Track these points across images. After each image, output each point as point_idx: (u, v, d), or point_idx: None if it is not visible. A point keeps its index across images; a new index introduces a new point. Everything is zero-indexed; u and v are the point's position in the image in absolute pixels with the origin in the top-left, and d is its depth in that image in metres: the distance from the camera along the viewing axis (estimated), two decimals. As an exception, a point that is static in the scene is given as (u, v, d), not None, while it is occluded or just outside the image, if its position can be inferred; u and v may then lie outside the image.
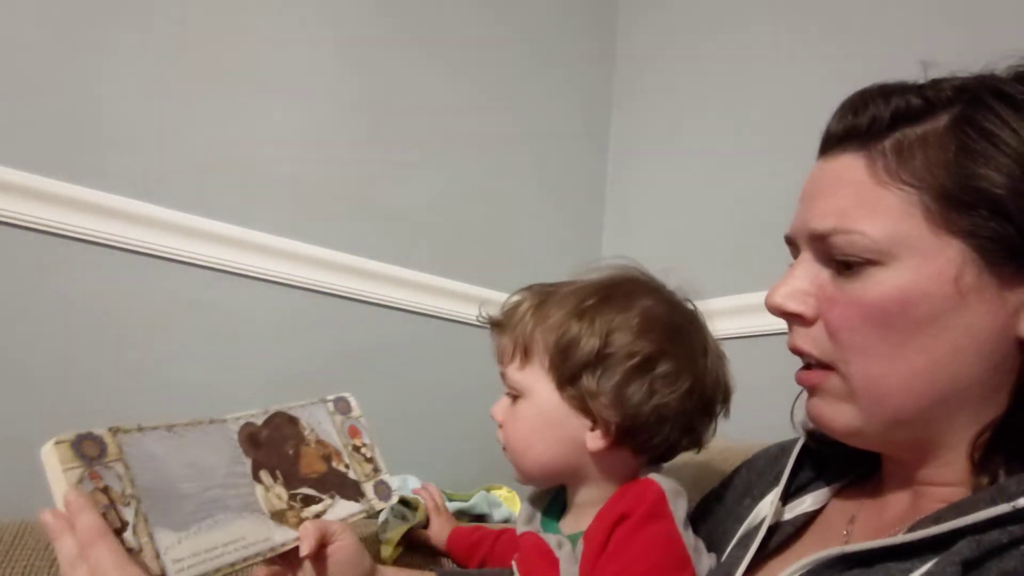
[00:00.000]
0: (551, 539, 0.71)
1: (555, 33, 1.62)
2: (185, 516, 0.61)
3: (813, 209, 0.53)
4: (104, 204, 0.98)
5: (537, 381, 0.71)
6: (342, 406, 0.85)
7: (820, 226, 0.52)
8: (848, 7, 1.21)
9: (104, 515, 0.55)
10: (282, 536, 0.68)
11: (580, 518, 0.72)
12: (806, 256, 0.55)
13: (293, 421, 0.78)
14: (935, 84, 0.52)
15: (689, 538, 0.65)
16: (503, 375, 0.76)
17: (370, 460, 0.83)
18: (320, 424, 0.81)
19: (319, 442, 0.79)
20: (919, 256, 0.48)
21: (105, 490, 0.56)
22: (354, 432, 0.84)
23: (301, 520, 0.71)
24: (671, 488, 0.66)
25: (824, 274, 0.53)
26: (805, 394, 0.57)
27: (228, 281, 1.09)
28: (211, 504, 0.64)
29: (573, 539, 0.70)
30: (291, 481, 0.73)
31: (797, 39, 1.30)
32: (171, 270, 1.03)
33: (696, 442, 0.73)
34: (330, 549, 0.70)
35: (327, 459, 0.79)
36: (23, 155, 0.92)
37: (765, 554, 0.59)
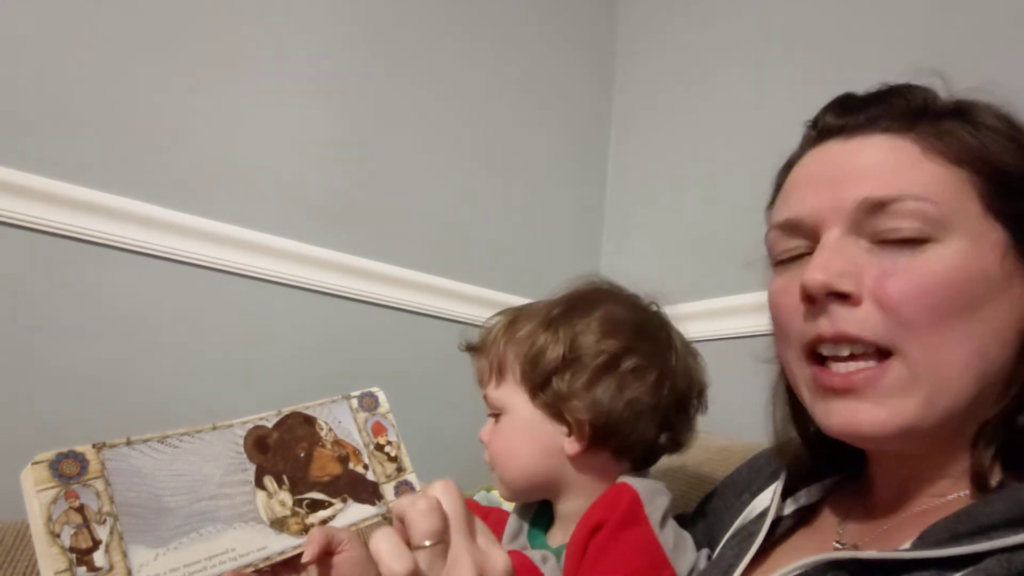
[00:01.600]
0: (535, 555, 0.71)
1: (556, 34, 1.62)
2: (167, 532, 0.61)
3: (855, 183, 0.51)
4: (104, 204, 1.00)
5: (512, 395, 0.75)
6: (367, 402, 0.83)
7: (876, 192, 0.50)
8: (843, 30, 1.26)
9: (76, 534, 0.57)
10: (281, 544, 0.68)
11: (566, 529, 0.71)
12: (835, 234, 0.52)
13: (309, 421, 0.77)
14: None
15: (668, 537, 0.65)
16: (485, 398, 0.80)
17: (394, 459, 0.81)
18: (340, 423, 0.79)
19: (336, 442, 0.78)
20: (973, 235, 0.48)
21: (80, 509, 0.58)
22: (378, 429, 0.82)
23: (305, 527, 0.70)
24: (646, 488, 0.67)
25: (861, 250, 0.51)
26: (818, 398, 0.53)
27: (228, 281, 1.10)
28: (198, 517, 0.64)
29: (559, 552, 0.70)
30: (299, 486, 0.72)
31: (792, 61, 1.35)
32: (171, 270, 1.05)
33: (675, 441, 0.74)
34: (336, 559, 0.69)
35: (343, 460, 0.77)
36: (23, 155, 0.95)
37: (765, 547, 0.60)
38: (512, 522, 0.79)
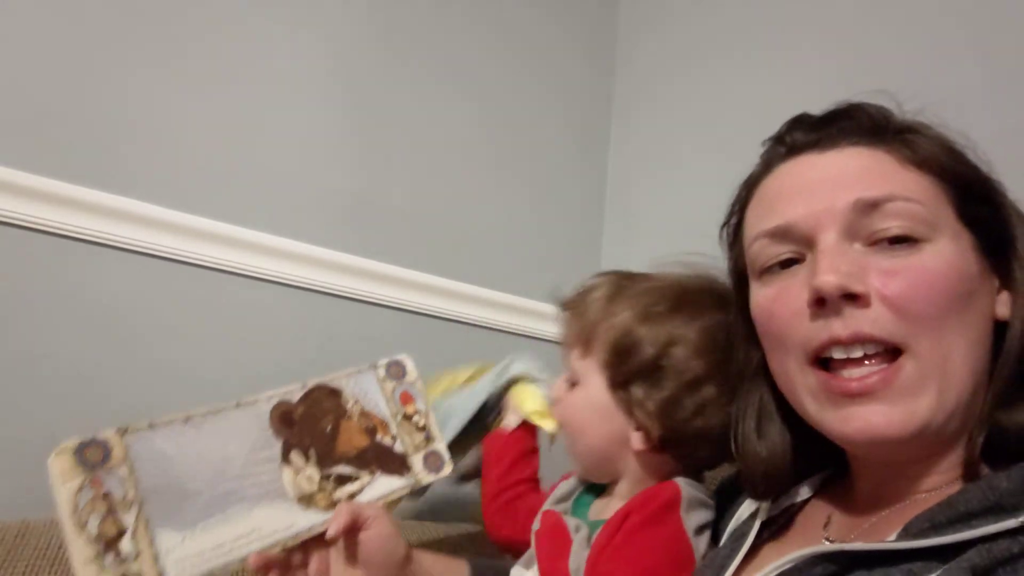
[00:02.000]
0: (571, 522, 0.70)
1: (556, 34, 1.58)
2: (192, 514, 0.62)
3: (843, 186, 0.53)
4: (105, 204, 0.98)
5: (592, 373, 0.72)
6: (395, 370, 0.81)
7: (870, 193, 0.51)
8: (842, 25, 1.25)
9: (102, 522, 0.57)
10: (308, 520, 0.68)
11: (612, 507, 0.70)
12: (831, 238, 0.52)
13: (335, 394, 0.76)
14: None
15: (700, 545, 0.64)
16: (564, 356, 0.76)
17: (422, 429, 0.80)
18: (367, 394, 0.78)
19: (363, 414, 0.77)
20: (952, 236, 0.51)
21: (105, 496, 0.58)
22: (406, 399, 0.81)
23: (333, 502, 0.70)
24: (691, 496, 0.65)
25: (858, 254, 0.51)
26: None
27: (228, 281, 1.09)
28: (224, 498, 0.64)
29: (595, 525, 0.68)
30: (325, 460, 0.72)
31: (793, 53, 1.33)
32: (171, 270, 1.03)
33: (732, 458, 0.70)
34: (363, 535, 0.69)
35: (371, 432, 0.76)
36: (23, 155, 0.94)
37: (757, 545, 0.60)
38: (567, 484, 0.78)
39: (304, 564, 0.67)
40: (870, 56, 1.19)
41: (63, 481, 0.57)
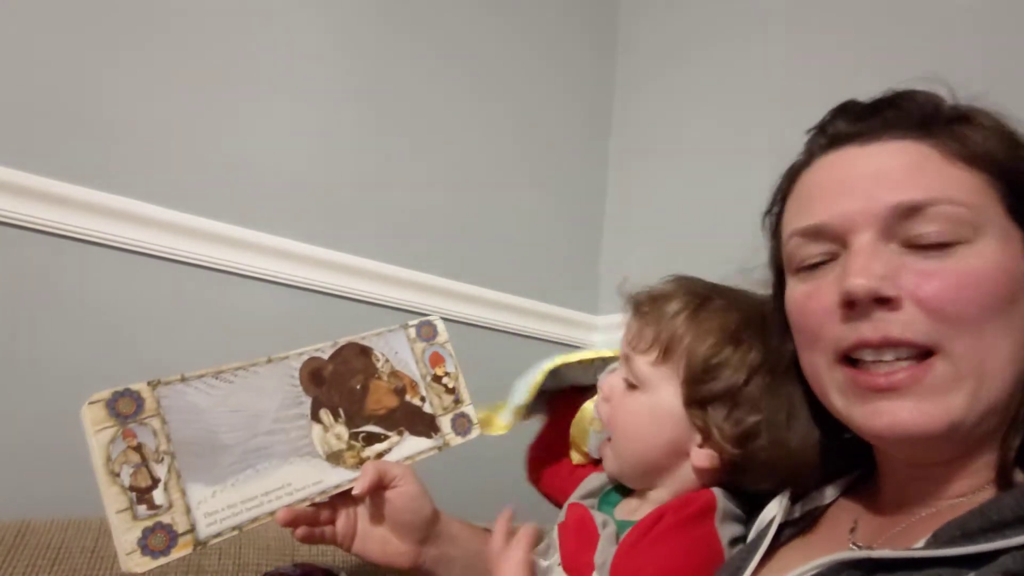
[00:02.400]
0: (598, 517, 0.68)
1: (556, 35, 1.56)
2: (223, 469, 0.62)
3: (882, 186, 0.51)
4: (105, 204, 0.98)
5: (665, 382, 0.69)
6: (426, 331, 0.80)
7: (910, 197, 0.50)
8: (848, 16, 1.22)
9: (135, 473, 0.58)
10: (337, 478, 0.68)
11: (643, 510, 0.68)
12: (867, 238, 0.51)
13: (365, 352, 0.76)
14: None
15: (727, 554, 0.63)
16: (629, 358, 0.71)
17: (452, 391, 0.79)
18: (397, 354, 0.77)
19: (393, 374, 0.76)
20: (1000, 236, 0.49)
21: (138, 448, 0.59)
22: (436, 360, 0.80)
23: (361, 460, 0.70)
24: (726, 507, 0.64)
25: (894, 255, 0.50)
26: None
27: (228, 281, 1.07)
28: (254, 453, 0.64)
29: (623, 524, 0.67)
30: (354, 419, 0.72)
31: (798, 45, 1.31)
32: (171, 270, 1.03)
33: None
34: (389, 493, 0.69)
35: (400, 392, 0.76)
36: (23, 155, 0.93)
37: (775, 546, 0.59)
38: (596, 477, 0.76)
39: (332, 520, 0.67)
40: (880, 42, 1.15)
41: (95, 431, 0.58)
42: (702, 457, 0.66)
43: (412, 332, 0.79)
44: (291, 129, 1.17)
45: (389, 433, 0.73)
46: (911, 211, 0.49)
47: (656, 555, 0.60)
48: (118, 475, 0.57)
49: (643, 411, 0.69)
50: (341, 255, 1.19)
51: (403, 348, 0.78)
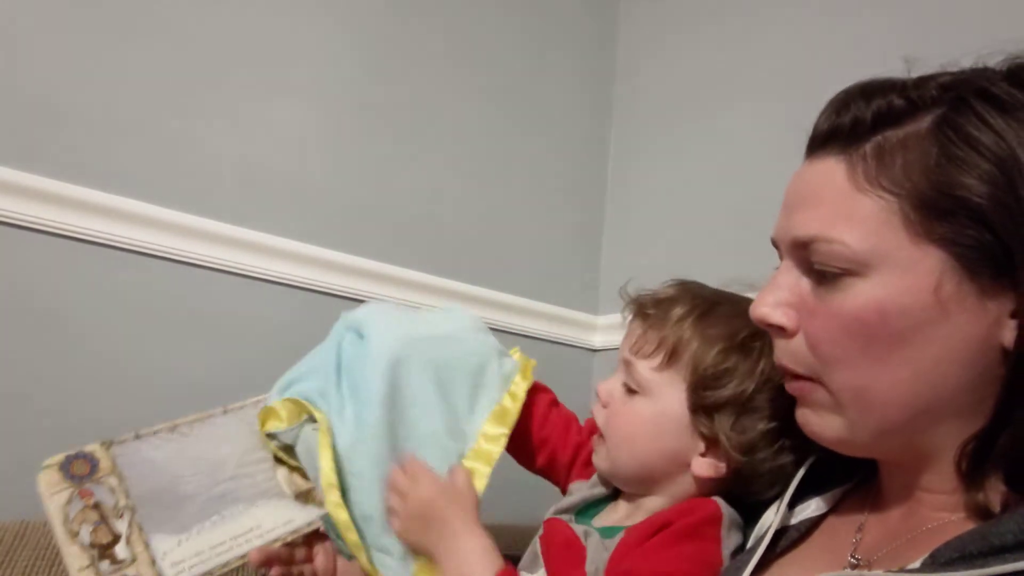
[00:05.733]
0: (578, 529, 0.67)
1: (556, 32, 1.57)
2: (187, 518, 0.62)
3: (795, 215, 0.52)
4: (104, 204, 0.98)
5: (670, 388, 0.67)
6: None
7: (801, 233, 0.51)
8: (852, 7, 1.21)
9: (95, 531, 0.57)
10: (308, 515, 0.67)
11: (633, 514, 0.68)
12: (788, 263, 0.53)
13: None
14: (920, 83, 0.50)
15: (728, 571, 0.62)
16: (630, 363, 0.70)
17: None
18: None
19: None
20: (898, 267, 0.47)
21: (96, 506, 0.58)
22: None
23: (330, 497, 0.70)
24: (730, 517, 0.64)
25: (804, 283, 0.52)
26: None
27: (228, 281, 1.08)
28: (218, 500, 0.64)
29: (605, 530, 0.66)
30: (319, 456, 0.72)
31: (800, 40, 1.31)
32: (171, 270, 1.03)
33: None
34: (363, 524, 0.68)
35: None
36: (23, 155, 0.93)
37: (772, 556, 0.58)
38: (569, 497, 0.74)
39: (309, 559, 0.66)
40: (884, 35, 1.13)
41: (51, 494, 0.57)
42: (704, 466, 0.65)
43: None
44: (291, 129, 1.19)
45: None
46: (804, 245, 0.51)
47: (660, 559, 0.59)
48: (77, 534, 0.56)
49: (644, 417, 0.67)
50: (341, 255, 1.19)
51: None
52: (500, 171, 1.45)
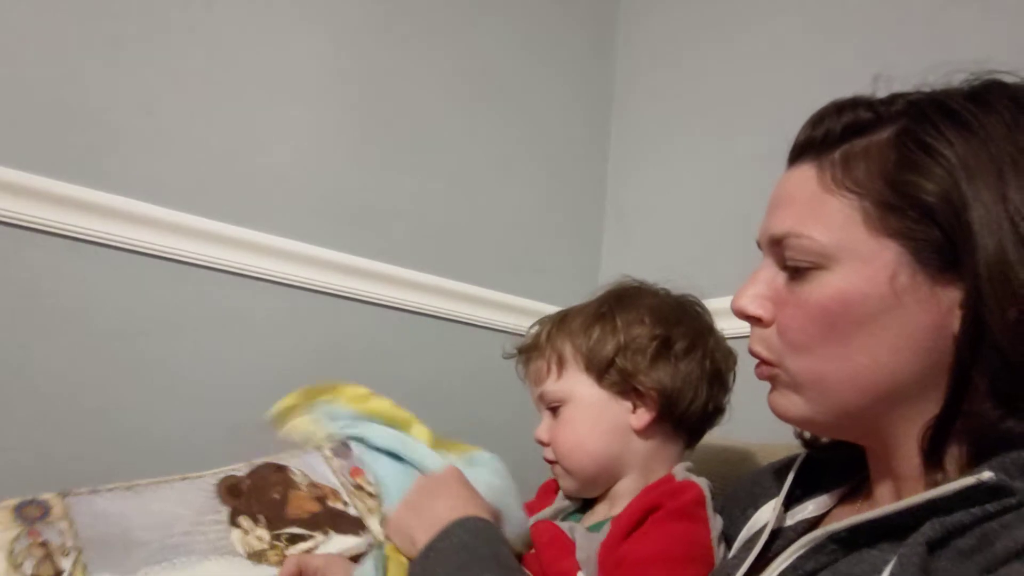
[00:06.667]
0: (564, 525, 0.72)
1: (555, 33, 1.62)
2: (135, 561, 0.60)
3: (773, 216, 0.58)
4: (104, 204, 0.99)
5: (576, 383, 0.79)
6: (342, 451, 0.83)
7: (777, 230, 0.57)
8: (847, 17, 1.26)
9: (39, 563, 0.56)
10: (259, 575, 0.66)
11: (610, 509, 0.74)
12: (767, 260, 0.59)
13: (281, 469, 0.77)
14: (889, 99, 0.56)
15: (719, 552, 0.68)
16: (541, 395, 0.82)
17: (374, 496, 0.79)
18: (314, 469, 0.79)
19: (312, 485, 0.77)
20: (858, 259, 0.52)
21: (43, 544, 0.58)
22: (356, 472, 0.81)
23: (284, 557, 0.68)
24: (712, 500, 0.70)
25: (780, 278, 0.57)
26: None
27: (228, 281, 1.09)
28: (171, 549, 0.63)
29: (594, 527, 0.71)
30: (275, 523, 0.71)
31: (796, 47, 1.34)
32: (171, 270, 1.03)
33: (719, 407, 0.82)
34: (312, 586, 0.66)
35: (321, 499, 0.76)
36: (23, 155, 0.94)
37: (767, 559, 0.59)
38: (549, 508, 0.81)
39: (259, 615, 0.63)
40: (877, 44, 1.17)
41: (1, 531, 0.58)
42: (641, 418, 0.75)
43: (327, 452, 0.82)
44: (291, 129, 1.19)
45: (313, 533, 0.72)
46: (778, 241, 0.57)
47: (653, 540, 0.64)
48: (20, 566, 0.56)
49: (575, 416, 0.78)
50: (341, 255, 1.18)
51: (319, 465, 0.80)
52: (501, 172, 1.48)
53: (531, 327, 0.88)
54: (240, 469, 0.75)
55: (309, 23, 1.26)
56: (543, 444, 0.82)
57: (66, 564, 0.57)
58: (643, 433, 0.76)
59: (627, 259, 1.56)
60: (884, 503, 0.55)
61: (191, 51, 1.13)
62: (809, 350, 0.54)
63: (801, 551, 0.52)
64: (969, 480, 0.44)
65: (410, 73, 1.37)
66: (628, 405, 0.77)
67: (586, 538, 0.68)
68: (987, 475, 0.44)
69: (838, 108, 0.57)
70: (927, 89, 0.55)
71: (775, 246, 0.57)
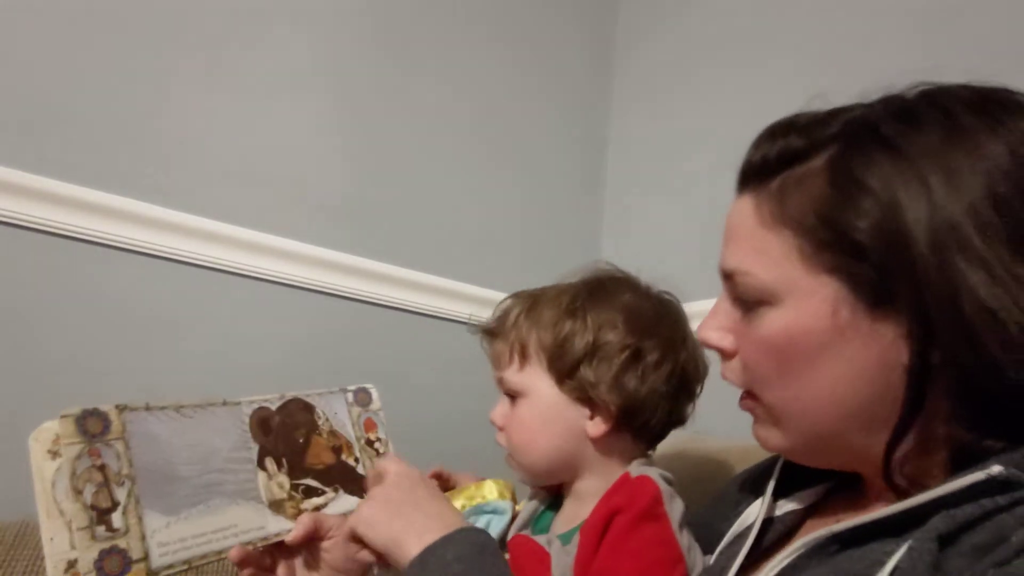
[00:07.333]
0: (540, 539, 0.73)
1: (554, 31, 1.61)
2: (178, 500, 0.62)
3: (724, 249, 0.57)
4: (105, 204, 0.99)
5: (536, 379, 0.75)
6: (362, 397, 0.85)
7: (725, 265, 0.56)
8: (843, 24, 1.25)
9: (96, 493, 0.57)
10: (277, 526, 0.69)
11: (578, 510, 0.73)
12: (724, 292, 0.58)
13: (308, 408, 0.79)
14: (822, 121, 0.53)
15: (684, 539, 0.67)
16: (500, 379, 0.78)
17: (381, 455, 0.83)
18: (336, 415, 0.81)
19: (331, 432, 0.79)
20: (800, 296, 0.51)
21: (102, 468, 0.58)
22: (370, 425, 0.84)
23: (299, 511, 0.71)
24: (667, 490, 0.69)
25: (736, 311, 0.57)
26: None
27: (228, 281, 1.10)
28: (207, 489, 0.64)
29: (563, 537, 0.71)
30: (296, 470, 0.74)
31: (793, 43, 1.33)
32: (171, 270, 1.04)
33: (680, 419, 0.79)
34: (324, 544, 0.70)
35: (337, 451, 0.79)
36: (24, 155, 0.94)
37: (758, 553, 0.60)
38: (525, 510, 0.80)
39: (272, 568, 0.67)
40: (871, 51, 1.19)
41: (65, 444, 0.57)
42: (597, 426, 0.72)
43: (350, 396, 0.83)
44: (291, 129, 1.18)
45: (326, 488, 0.76)
46: (728, 276, 0.56)
47: (623, 553, 0.63)
48: (81, 492, 0.56)
49: (531, 415, 0.75)
50: (341, 255, 1.19)
51: (341, 410, 0.82)
52: (500, 171, 1.49)
53: (502, 301, 0.82)
54: (272, 401, 0.75)
55: (311, 24, 1.25)
56: (497, 428, 0.79)
57: (121, 495, 0.58)
58: (599, 441, 0.73)
59: (627, 259, 1.54)
60: (880, 506, 0.54)
61: (190, 51, 1.12)
62: (771, 382, 0.54)
63: (803, 550, 0.52)
64: (979, 475, 0.44)
65: (409, 74, 1.37)
66: (586, 412, 0.73)
67: (560, 554, 0.69)
68: (996, 469, 0.43)
69: (772, 134, 0.55)
70: (865, 101, 0.53)
71: (727, 279, 0.56)
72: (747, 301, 0.54)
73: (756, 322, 0.53)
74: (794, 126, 0.54)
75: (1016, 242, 0.44)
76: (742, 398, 0.59)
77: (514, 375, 0.77)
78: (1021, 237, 0.45)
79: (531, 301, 0.78)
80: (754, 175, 0.55)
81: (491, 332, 0.80)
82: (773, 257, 0.52)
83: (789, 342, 0.51)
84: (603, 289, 0.78)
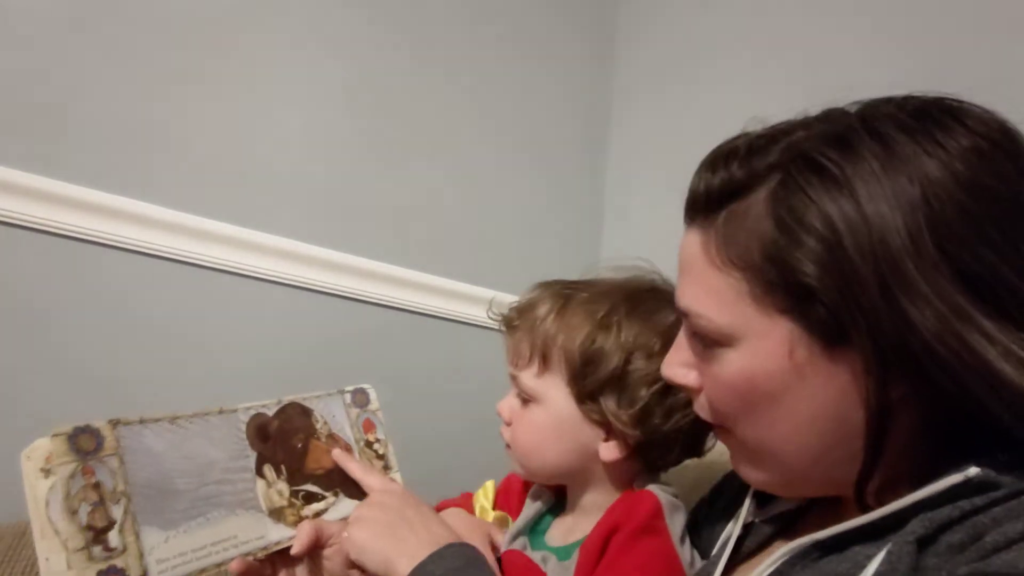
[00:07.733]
0: (535, 556, 0.71)
1: (555, 30, 1.60)
2: (176, 514, 0.61)
3: (679, 284, 0.56)
4: (104, 204, 0.98)
5: (554, 389, 0.70)
6: (360, 398, 0.84)
7: (680, 304, 0.55)
8: (843, 23, 1.24)
9: (92, 512, 0.56)
10: (277, 534, 0.68)
11: (579, 522, 0.71)
12: (684, 328, 0.57)
13: (306, 413, 0.77)
14: (762, 148, 0.51)
15: (685, 553, 0.65)
16: (515, 377, 0.73)
17: (381, 457, 0.82)
18: (334, 417, 0.80)
19: (330, 436, 0.78)
20: (756, 337, 0.50)
21: (96, 486, 0.57)
22: (368, 426, 0.83)
23: (300, 518, 0.71)
24: (669, 502, 0.67)
25: (697, 347, 0.55)
26: None
27: (228, 281, 1.09)
28: (205, 501, 0.64)
29: (560, 551, 0.70)
30: (295, 477, 0.73)
31: (793, 41, 1.33)
32: (171, 270, 1.04)
33: (698, 453, 0.74)
34: (326, 552, 0.70)
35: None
36: (23, 155, 0.93)
37: (743, 555, 0.60)
38: (522, 518, 0.77)
39: (273, 576, 0.67)
40: (874, 48, 1.17)
41: (57, 464, 0.55)
42: (611, 450, 0.67)
43: (348, 398, 0.82)
44: (291, 129, 1.18)
45: (326, 494, 0.75)
46: (684, 314, 0.54)
47: (622, 570, 0.61)
48: (76, 512, 0.55)
49: (542, 424, 0.70)
50: (341, 255, 1.19)
51: (339, 412, 0.81)
52: (501, 170, 1.49)
53: (532, 288, 0.75)
54: (269, 407, 0.74)
55: (312, 24, 1.24)
56: (504, 421, 0.75)
57: (117, 513, 0.57)
58: (608, 464, 0.69)
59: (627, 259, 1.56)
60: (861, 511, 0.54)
61: (190, 52, 1.11)
62: (738, 421, 0.53)
63: (786, 557, 0.52)
64: (956, 477, 0.44)
65: (409, 73, 1.36)
66: (601, 433, 0.68)
67: (556, 569, 0.68)
68: (973, 471, 0.44)
69: (712, 164, 0.53)
70: (805, 119, 0.52)
71: (685, 317, 0.55)
72: (705, 340, 0.53)
73: (714, 363, 0.52)
74: (735, 154, 0.52)
75: (958, 272, 0.44)
76: (716, 432, 0.59)
77: (531, 379, 0.71)
78: (963, 266, 0.44)
79: (562, 300, 0.71)
80: (701, 208, 0.53)
81: (513, 325, 0.73)
82: (725, 300, 0.50)
83: (749, 384, 0.51)
84: (643, 304, 0.71)
